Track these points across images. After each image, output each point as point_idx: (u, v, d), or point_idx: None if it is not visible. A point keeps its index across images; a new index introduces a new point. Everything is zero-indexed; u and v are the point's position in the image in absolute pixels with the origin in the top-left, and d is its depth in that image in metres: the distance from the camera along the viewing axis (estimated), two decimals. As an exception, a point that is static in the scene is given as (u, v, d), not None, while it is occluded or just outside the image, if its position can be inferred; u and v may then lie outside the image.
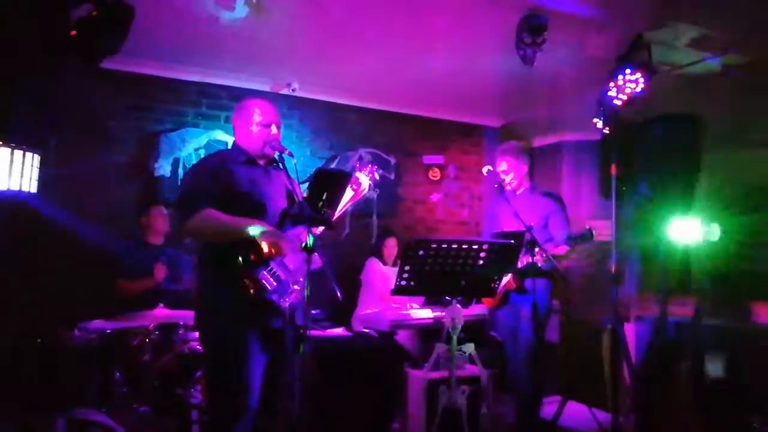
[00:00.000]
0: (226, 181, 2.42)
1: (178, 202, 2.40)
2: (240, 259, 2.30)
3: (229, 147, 2.74)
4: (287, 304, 2.37)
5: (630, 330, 3.83)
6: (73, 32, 2.11)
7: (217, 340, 2.40)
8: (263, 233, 2.32)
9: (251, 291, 2.29)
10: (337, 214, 2.60)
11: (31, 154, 2.14)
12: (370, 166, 2.77)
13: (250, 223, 2.33)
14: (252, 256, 2.30)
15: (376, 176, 2.78)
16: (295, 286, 2.39)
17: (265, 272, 2.34)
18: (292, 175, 2.51)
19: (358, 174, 2.71)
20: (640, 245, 4.44)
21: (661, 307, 3.61)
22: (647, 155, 3.65)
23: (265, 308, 2.38)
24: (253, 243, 2.31)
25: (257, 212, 2.43)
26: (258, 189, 2.50)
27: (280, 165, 2.56)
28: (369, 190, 2.79)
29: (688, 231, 3.79)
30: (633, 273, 4.54)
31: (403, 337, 4.14)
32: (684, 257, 3.87)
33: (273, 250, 2.33)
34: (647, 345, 3.82)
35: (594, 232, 3.18)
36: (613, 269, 3.08)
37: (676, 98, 4.06)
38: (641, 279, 4.61)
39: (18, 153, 2.08)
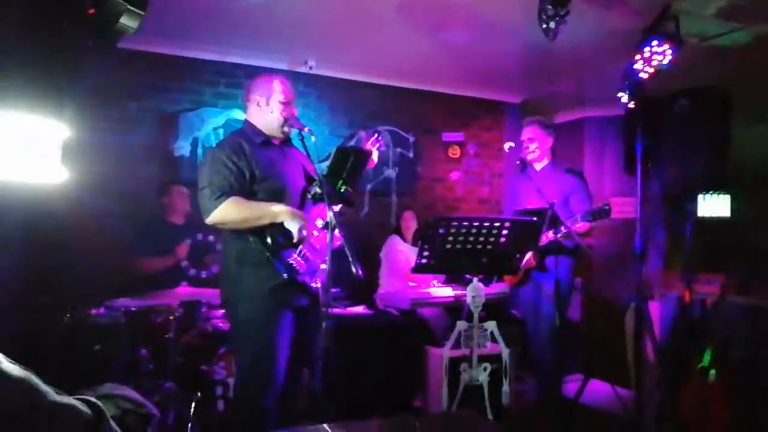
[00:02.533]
0: (247, 165, 2.39)
1: (202, 191, 2.37)
2: (270, 242, 2.31)
3: (242, 127, 2.61)
4: (317, 284, 2.39)
5: (654, 308, 3.78)
6: (91, 11, 2.09)
7: (247, 320, 2.40)
8: (291, 218, 2.32)
9: (284, 274, 2.31)
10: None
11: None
12: (375, 135, 2.77)
13: (278, 209, 2.33)
14: (281, 240, 2.31)
15: (381, 144, 2.80)
16: (323, 266, 2.40)
17: (295, 255, 2.36)
18: (311, 153, 2.49)
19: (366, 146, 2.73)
20: (666, 221, 4.36)
21: (686, 285, 3.54)
22: (674, 130, 3.56)
23: (296, 289, 2.40)
24: (281, 227, 2.32)
25: (279, 195, 2.43)
26: (278, 171, 2.48)
27: (300, 143, 2.54)
28: (377, 160, 2.81)
29: (716, 207, 3.71)
30: (658, 250, 4.47)
31: (430, 314, 4.15)
32: (711, 234, 3.79)
33: (302, 234, 2.33)
34: (671, 323, 3.78)
35: (611, 208, 3.11)
36: (639, 247, 3.03)
37: (704, 71, 3.94)
38: (666, 256, 4.53)
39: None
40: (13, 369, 0.73)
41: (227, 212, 2.31)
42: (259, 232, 2.34)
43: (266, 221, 2.33)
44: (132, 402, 1.81)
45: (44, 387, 0.75)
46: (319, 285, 2.45)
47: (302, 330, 2.52)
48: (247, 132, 2.53)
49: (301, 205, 2.49)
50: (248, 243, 2.36)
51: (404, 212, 4.76)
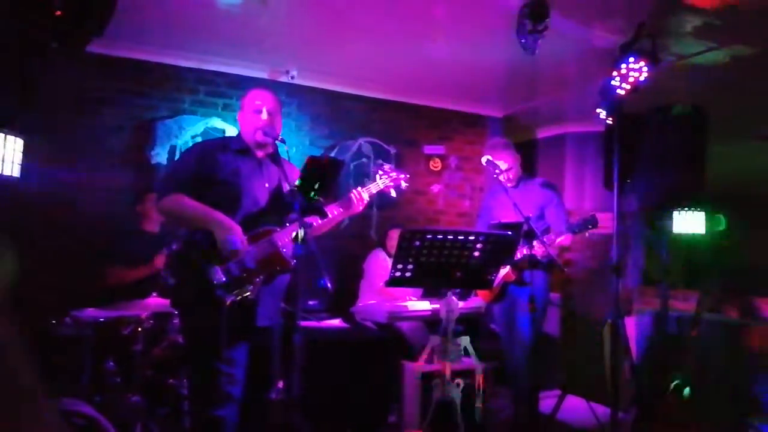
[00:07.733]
0: (208, 167, 2.41)
1: (161, 179, 2.42)
2: (199, 252, 2.28)
3: (236, 134, 2.70)
4: (230, 300, 2.27)
5: (631, 324, 3.77)
6: (59, 12, 2.06)
7: (190, 327, 2.43)
8: (221, 228, 2.27)
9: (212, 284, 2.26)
10: (365, 199, 2.66)
11: (14, 138, 2.09)
12: (395, 173, 2.86)
13: (213, 216, 2.30)
14: (209, 251, 2.26)
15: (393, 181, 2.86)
16: (257, 279, 2.33)
17: (217, 267, 2.27)
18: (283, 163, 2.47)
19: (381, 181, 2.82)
20: (644, 237, 4.37)
21: (663, 301, 3.54)
22: (651, 146, 3.57)
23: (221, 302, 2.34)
24: (212, 238, 2.28)
25: (230, 203, 2.39)
26: (238, 180, 2.44)
27: (276, 153, 2.51)
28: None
29: (692, 224, 3.72)
30: (636, 266, 4.47)
31: (407, 327, 4.09)
32: (687, 250, 3.80)
33: (228, 248, 2.26)
34: (648, 339, 3.77)
35: (597, 219, 3.11)
36: (614, 262, 3.02)
37: (683, 88, 3.97)
38: (644, 272, 4.54)
39: (-1, 136, 2.02)
40: None
41: (169, 207, 2.38)
42: (196, 241, 2.33)
43: (200, 225, 2.32)
44: (86, 418, 1.74)
45: None
46: (230, 301, 2.31)
47: (258, 344, 2.47)
48: (231, 139, 2.63)
49: (256, 223, 2.43)
50: (189, 248, 2.37)
51: (391, 231, 4.65)
